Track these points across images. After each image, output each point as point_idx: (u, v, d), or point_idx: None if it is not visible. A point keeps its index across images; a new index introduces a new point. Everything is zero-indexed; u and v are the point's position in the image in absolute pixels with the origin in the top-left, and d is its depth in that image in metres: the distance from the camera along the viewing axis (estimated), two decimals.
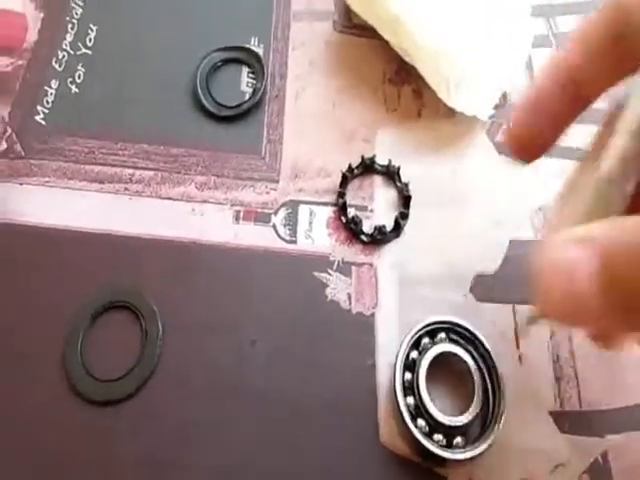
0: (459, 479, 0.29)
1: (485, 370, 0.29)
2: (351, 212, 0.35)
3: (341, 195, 0.35)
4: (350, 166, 0.36)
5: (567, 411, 0.31)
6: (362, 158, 0.36)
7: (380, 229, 0.33)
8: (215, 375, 0.31)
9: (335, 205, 0.36)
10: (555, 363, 0.32)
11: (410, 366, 0.30)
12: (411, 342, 0.30)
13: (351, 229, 0.34)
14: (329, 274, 0.33)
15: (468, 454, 0.28)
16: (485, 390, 0.29)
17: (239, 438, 0.30)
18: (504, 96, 0.39)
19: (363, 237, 0.34)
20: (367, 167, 0.36)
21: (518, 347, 0.32)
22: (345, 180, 0.36)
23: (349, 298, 0.33)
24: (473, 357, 0.30)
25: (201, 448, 0.29)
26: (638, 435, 0.30)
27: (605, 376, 0.31)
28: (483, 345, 0.30)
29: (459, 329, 0.30)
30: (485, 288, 0.33)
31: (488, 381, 0.29)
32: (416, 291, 0.33)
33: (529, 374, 0.32)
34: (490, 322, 0.32)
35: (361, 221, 0.35)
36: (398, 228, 0.34)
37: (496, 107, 0.37)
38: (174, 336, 0.32)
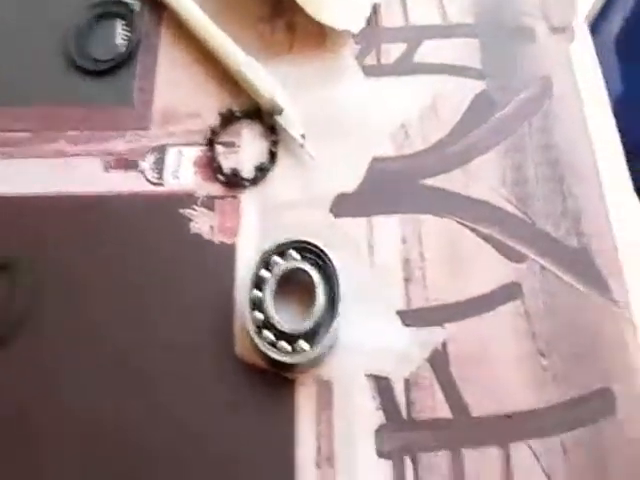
0: (306, 381, 0.31)
1: (329, 282, 0.32)
2: (218, 150, 0.37)
3: (211, 134, 0.37)
4: (221, 110, 0.38)
5: (413, 309, 0.33)
6: (230, 109, 0.38)
7: (236, 173, 0.35)
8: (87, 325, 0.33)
9: (204, 145, 0.36)
10: (405, 265, 0.33)
11: (259, 283, 0.30)
12: (261, 261, 0.31)
13: (215, 167, 0.35)
14: (194, 210, 0.34)
15: (307, 356, 0.30)
16: (331, 300, 0.31)
17: (107, 384, 0.31)
18: (374, 8, 0.39)
19: (221, 177, 0.35)
20: (234, 115, 0.38)
21: (370, 255, 0.34)
22: (219, 122, 0.38)
23: (212, 229, 0.34)
24: (320, 271, 0.32)
25: (71, 398, 0.31)
26: (472, 321, 0.33)
27: (449, 275, 0.34)
28: (330, 259, 0.32)
29: (309, 246, 0.32)
30: (344, 206, 0.35)
31: (331, 292, 0.31)
32: (278, 217, 0.34)
33: (380, 279, 0.34)
34: (344, 235, 0.35)
35: (225, 159, 0.36)
36: (263, 170, 0.36)
37: (368, 21, 0.38)
38: (48, 288, 0.34)
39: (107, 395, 0.31)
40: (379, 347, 0.32)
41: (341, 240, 0.34)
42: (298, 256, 0.32)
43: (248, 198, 0.36)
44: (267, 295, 0.31)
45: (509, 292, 0.33)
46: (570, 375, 0.31)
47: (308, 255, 0.32)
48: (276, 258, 0.32)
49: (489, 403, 0.30)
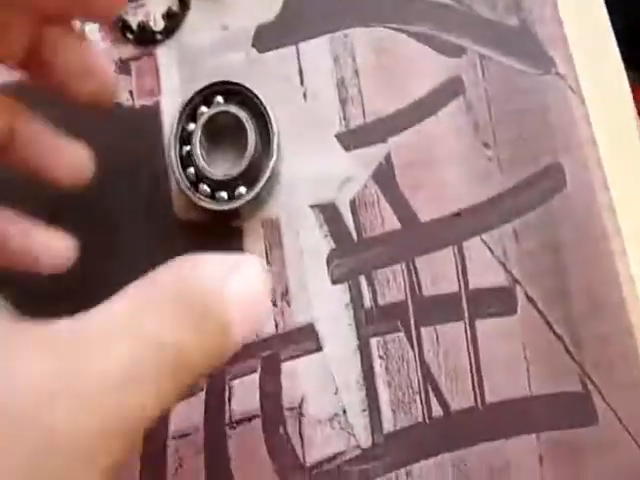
0: (252, 225, 0.32)
1: (260, 121, 0.31)
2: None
3: None
4: None
5: (352, 129, 0.32)
6: None
7: (145, 27, 0.32)
8: None
9: None
10: (339, 87, 0.31)
11: (187, 138, 0.30)
12: (185, 114, 0.30)
13: (122, 26, 0.33)
14: None
15: (246, 199, 0.30)
16: (265, 138, 0.31)
17: None
18: None
19: (130, 35, 0.33)
20: None
21: (302, 84, 0.32)
22: None
23: (130, 95, 0.32)
24: (249, 111, 0.31)
25: None
26: (414, 129, 0.32)
27: (387, 86, 0.33)
28: (257, 96, 0.30)
29: (234, 87, 0.30)
30: (267, 38, 0.34)
31: (264, 131, 0.30)
32: (199, 65, 0.33)
33: (315, 107, 0.33)
34: (272, 71, 0.33)
35: (132, 15, 0.34)
36: (174, 18, 0.34)
37: None
38: None
39: None
40: (321, 176, 0.32)
41: (270, 75, 0.33)
42: (223, 101, 0.31)
43: (164, 52, 0.34)
44: (196, 148, 0.30)
45: (450, 90, 0.33)
46: (517, 160, 0.31)
47: (235, 98, 0.31)
48: (203, 108, 0.31)
49: (438, 206, 0.31)
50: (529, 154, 0.31)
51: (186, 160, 0.30)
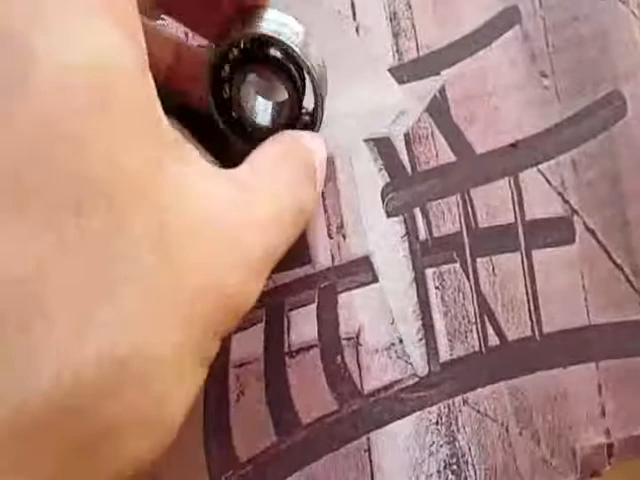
0: None
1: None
2: None
3: None
4: None
5: (405, 63, 0.32)
6: None
7: None
8: None
9: None
10: (392, 20, 0.31)
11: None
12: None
13: None
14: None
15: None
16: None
17: None
18: None
19: None
20: None
21: (355, 18, 0.33)
22: None
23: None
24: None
25: None
26: (469, 60, 0.32)
27: (440, 19, 0.33)
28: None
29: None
30: None
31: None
32: None
33: (368, 41, 0.33)
34: (325, 6, 0.33)
35: None
36: None
37: None
38: None
39: None
40: (375, 110, 0.32)
41: (322, 10, 0.33)
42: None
43: None
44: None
45: (506, 20, 0.32)
46: (575, 88, 0.31)
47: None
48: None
49: (493, 138, 0.31)
50: (588, 82, 0.30)
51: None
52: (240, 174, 0.20)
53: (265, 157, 0.22)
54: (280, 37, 0.26)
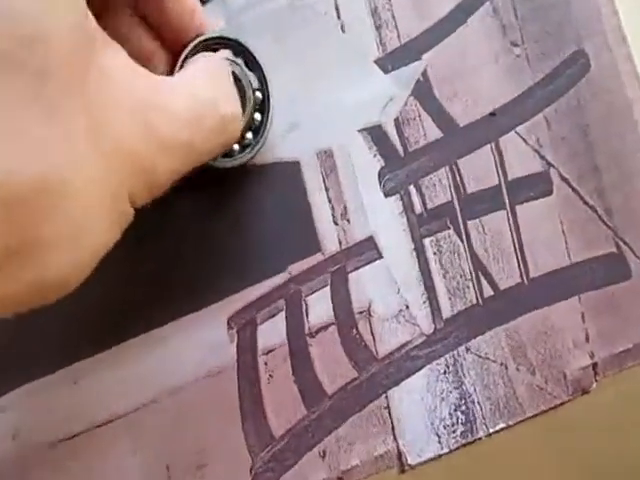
0: (308, 158, 0.37)
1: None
2: None
3: None
4: None
5: (389, 52, 0.36)
6: None
7: None
8: None
9: None
10: (374, 15, 0.36)
11: None
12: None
13: None
14: None
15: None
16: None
17: None
18: None
19: None
20: None
21: (339, 17, 0.36)
22: None
23: None
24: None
25: None
26: (446, 41, 0.36)
27: (417, 5, 0.37)
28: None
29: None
30: None
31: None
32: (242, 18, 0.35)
33: (354, 37, 0.37)
34: (313, 11, 0.36)
35: None
36: None
37: None
38: None
39: None
40: (366, 101, 0.36)
41: (311, 15, 0.36)
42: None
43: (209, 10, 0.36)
44: None
45: None
46: (543, 52, 0.35)
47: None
48: None
49: (474, 110, 0.35)
50: (555, 46, 0.35)
51: None
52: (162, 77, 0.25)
53: (185, 70, 0.28)
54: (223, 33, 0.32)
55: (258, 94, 0.32)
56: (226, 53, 0.31)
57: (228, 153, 0.32)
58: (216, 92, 0.27)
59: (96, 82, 0.21)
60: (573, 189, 0.35)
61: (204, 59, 0.29)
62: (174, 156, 0.24)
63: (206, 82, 0.27)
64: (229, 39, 0.32)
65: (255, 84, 0.32)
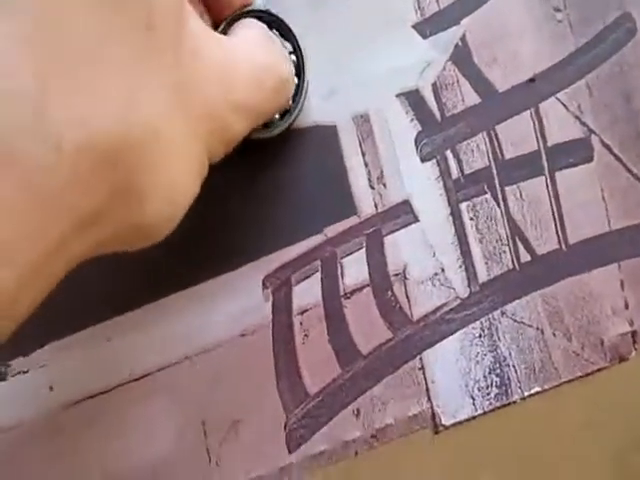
0: (344, 123, 0.37)
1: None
2: None
3: None
4: None
5: (427, 17, 0.36)
6: None
7: None
8: None
9: None
10: None
11: None
12: None
13: None
14: None
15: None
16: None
17: None
18: None
19: None
20: None
21: None
22: None
23: None
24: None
25: None
26: (486, 8, 0.37)
27: None
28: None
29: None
30: None
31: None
32: None
33: (392, 2, 0.37)
34: None
35: None
36: None
37: None
38: None
39: None
40: (403, 66, 0.36)
41: None
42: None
43: None
44: None
45: None
46: (586, 17, 0.35)
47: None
48: None
49: (513, 75, 0.35)
50: (598, 10, 0.35)
51: None
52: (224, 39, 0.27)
53: (236, 36, 0.29)
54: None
55: (293, 57, 0.33)
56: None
57: (267, 123, 0.33)
58: (271, 54, 0.29)
59: (187, 41, 0.23)
60: (615, 156, 0.35)
61: (250, 24, 0.31)
62: (244, 116, 0.26)
63: (262, 46, 0.29)
64: (262, 11, 0.33)
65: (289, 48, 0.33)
